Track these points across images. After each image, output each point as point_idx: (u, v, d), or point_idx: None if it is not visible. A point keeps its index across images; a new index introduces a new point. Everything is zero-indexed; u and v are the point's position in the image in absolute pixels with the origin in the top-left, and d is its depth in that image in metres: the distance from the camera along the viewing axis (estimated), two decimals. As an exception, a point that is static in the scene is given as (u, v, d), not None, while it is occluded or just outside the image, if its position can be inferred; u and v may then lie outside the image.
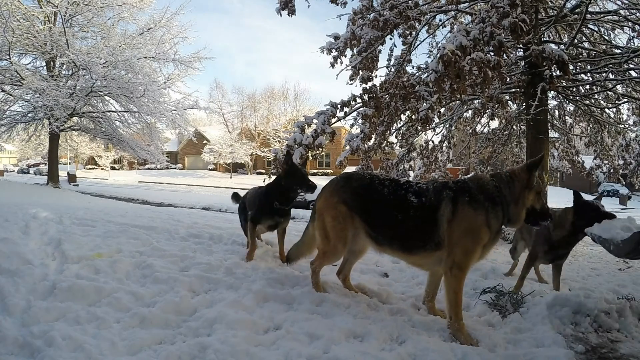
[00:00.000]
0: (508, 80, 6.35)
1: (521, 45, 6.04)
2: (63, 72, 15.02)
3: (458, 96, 5.73)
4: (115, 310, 2.41)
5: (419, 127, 6.54)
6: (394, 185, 2.59)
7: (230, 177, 40.11)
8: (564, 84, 6.80)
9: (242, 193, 4.81)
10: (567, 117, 9.09)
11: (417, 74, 6.40)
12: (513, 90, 7.12)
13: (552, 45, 5.92)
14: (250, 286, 2.86)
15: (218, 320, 2.28)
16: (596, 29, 6.87)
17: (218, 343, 2.02)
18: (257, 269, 3.35)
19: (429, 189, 2.50)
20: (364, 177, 2.73)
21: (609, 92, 7.24)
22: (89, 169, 49.96)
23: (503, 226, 2.48)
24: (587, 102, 7.70)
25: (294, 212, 4.19)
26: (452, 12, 6.45)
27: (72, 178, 26.02)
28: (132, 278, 3.00)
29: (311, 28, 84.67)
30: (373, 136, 6.32)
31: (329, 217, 2.69)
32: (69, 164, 41.02)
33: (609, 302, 2.94)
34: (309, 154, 5.86)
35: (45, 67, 15.06)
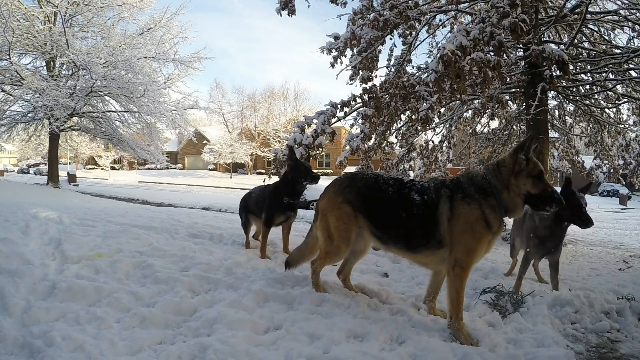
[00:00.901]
0: (508, 80, 6.36)
1: (521, 45, 6.04)
2: (63, 72, 15.02)
3: (458, 96, 5.74)
4: (115, 310, 2.41)
5: (419, 127, 6.53)
6: (398, 184, 2.59)
7: (230, 177, 40.11)
8: (564, 84, 6.80)
9: (242, 193, 4.82)
10: (567, 117, 9.09)
11: (417, 74, 6.41)
12: (513, 90, 7.13)
13: (552, 45, 5.92)
14: (250, 286, 2.86)
15: (218, 320, 2.28)
16: (596, 29, 6.87)
17: (218, 343, 2.02)
18: (257, 269, 3.36)
19: (430, 187, 2.50)
20: (369, 177, 2.72)
21: (609, 92, 7.25)
22: (89, 169, 49.95)
23: (504, 217, 2.41)
24: (587, 102, 7.70)
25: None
26: (452, 12, 6.45)
27: (72, 178, 26.02)
28: (132, 278, 3.00)
29: (311, 28, 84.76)
30: (373, 136, 6.32)
31: (332, 217, 2.68)
32: (69, 164, 41.02)
33: (609, 302, 2.94)
34: (309, 153, 5.86)
35: (45, 67, 15.06)
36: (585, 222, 3.05)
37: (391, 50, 6.90)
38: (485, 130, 9.28)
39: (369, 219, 2.62)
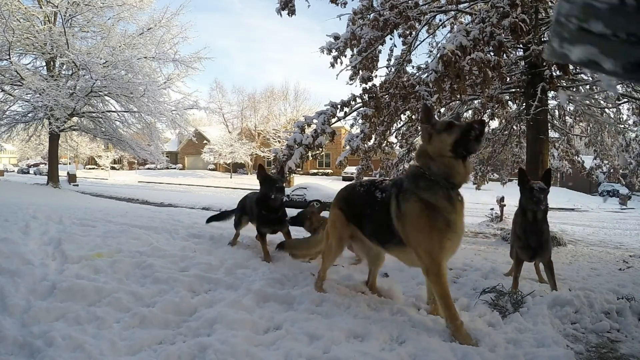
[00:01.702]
0: (508, 80, 6.36)
1: (521, 45, 6.05)
2: (63, 72, 15.03)
3: (458, 96, 5.74)
4: (115, 310, 2.41)
5: (419, 127, 6.54)
6: (369, 185, 2.76)
7: (230, 177, 40.12)
8: (564, 84, 6.81)
9: (242, 193, 4.83)
10: (567, 117, 9.10)
11: (417, 74, 6.41)
12: (513, 90, 7.14)
13: (552, 45, 5.91)
14: (250, 286, 2.86)
15: (218, 320, 2.27)
16: (596, 28, 6.87)
17: (218, 343, 2.02)
18: (257, 269, 3.36)
19: (389, 185, 2.60)
20: (356, 184, 2.97)
21: (609, 92, 7.25)
22: (89, 169, 49.96)
23: (451, 189, 2.25)
24: (587, 102, 7.71)
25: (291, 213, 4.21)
26: (452, 12, 6.46)
27: (72, 178, 26.05)
28: (132, 278, 2.99)
29: (311, 28, 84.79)
30: (373, 136, 6.33)
31: (330, 221, 2.99)
32: (69, 164, 41.05)
33: (609, 302, 2.94)
34: (309, 153, 5.87)
35: (45, 67, 15.07)
36: (536, 203, 3.11)
37: (391, 50, 6.91)
38: (485, 130, 9.28)
39: (353, 221, 2.83)
